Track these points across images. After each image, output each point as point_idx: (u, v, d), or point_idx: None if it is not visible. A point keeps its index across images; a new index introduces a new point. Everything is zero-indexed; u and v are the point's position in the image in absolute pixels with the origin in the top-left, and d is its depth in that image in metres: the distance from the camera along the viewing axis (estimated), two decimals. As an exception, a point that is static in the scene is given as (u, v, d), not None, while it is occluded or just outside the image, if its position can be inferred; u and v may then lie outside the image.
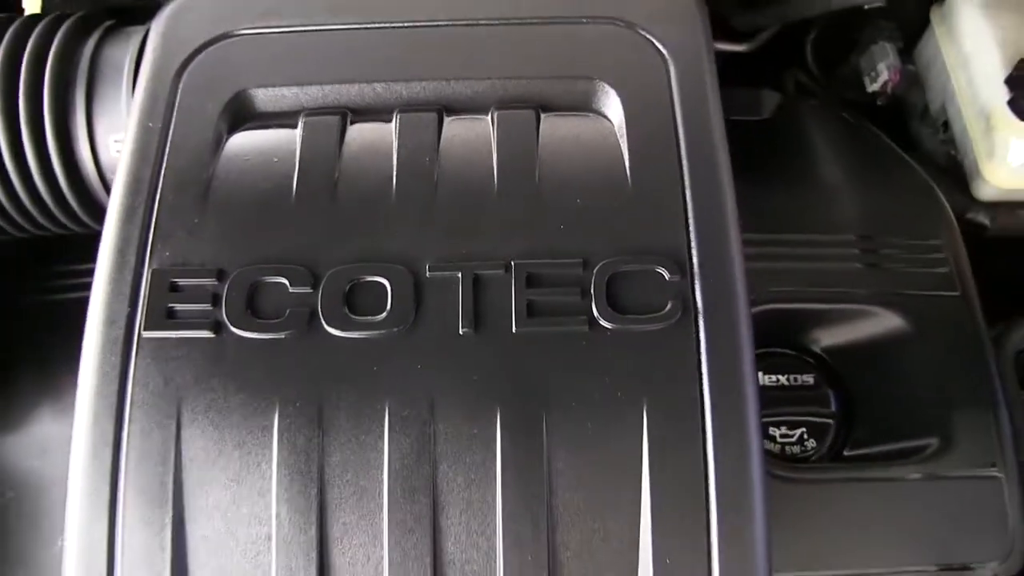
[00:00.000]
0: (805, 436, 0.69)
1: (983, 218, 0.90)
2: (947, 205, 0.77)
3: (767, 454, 0.70)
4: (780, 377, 0.70)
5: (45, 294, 0.73)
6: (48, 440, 0.69)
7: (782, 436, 0.69)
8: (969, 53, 0.85)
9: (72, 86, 0.60)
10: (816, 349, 0.71)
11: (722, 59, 0.92)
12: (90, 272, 0.69)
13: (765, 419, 0.69)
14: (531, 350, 0.49)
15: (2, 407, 0.69)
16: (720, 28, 0.94)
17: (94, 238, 0.68)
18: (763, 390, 0.70)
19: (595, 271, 0.50)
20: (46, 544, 0.65)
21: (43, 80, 0.59)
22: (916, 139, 0.97)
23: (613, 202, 0.52)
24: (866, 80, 0.94)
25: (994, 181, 0.84)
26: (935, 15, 0.91)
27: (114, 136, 0.60)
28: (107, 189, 0.63)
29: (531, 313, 0.49)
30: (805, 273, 0.71)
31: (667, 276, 0.50)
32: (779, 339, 0.71)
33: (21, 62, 0.60)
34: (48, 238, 0.70)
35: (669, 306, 0.49)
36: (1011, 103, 0.77)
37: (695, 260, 0.50)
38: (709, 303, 0.49)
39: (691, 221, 0.51)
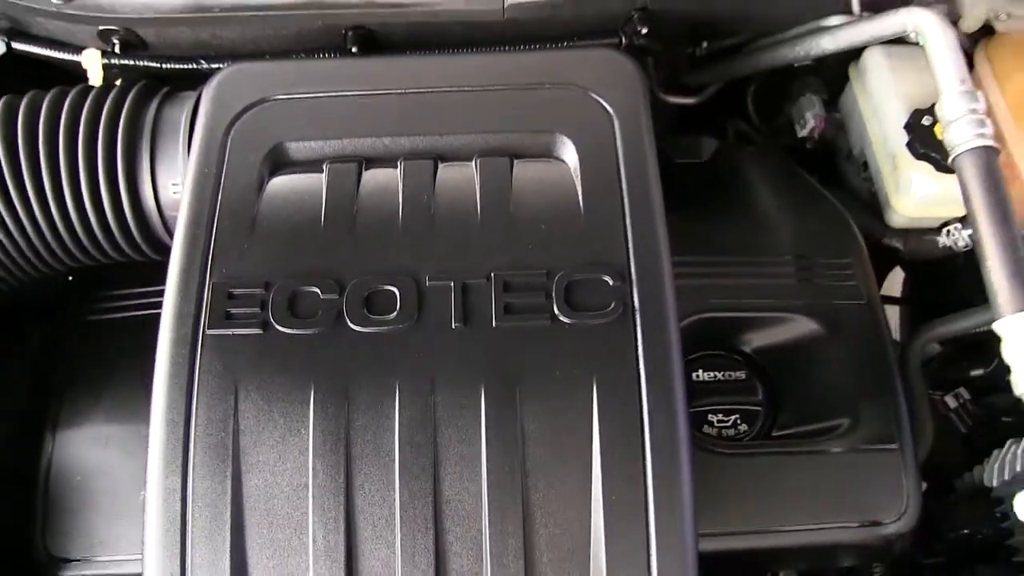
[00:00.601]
0: (738, 421, 0.85)
1: (896, 243, 1.07)
2: (858, 232, 0.94)
3: (707, 437, 0.86)
4: (717, 373, 0.87)
5: (103, 313, 0.89)
6: (107, 434, 0.84)
7: (719, 421, 0.85)
8: (878, 104, 1.03)
9: (139, 141, 0.77)
10: (747, 350, 0.88)
11: (676, 110, 1.11)
12: (140, 295, 0.86)
13: (705, 408, 0.86)
14: (507, 340, 0.65)
15: (68, 408, 0.85)
16: (674, 85, 1.13)
17: (147, 266, 0.85)
18: (703, 384, 0.86)
19: (555, 279, 0.66)
20: (108, 518, 0.80)
21: (117, 137, 0.76)
22: (844, 177, 1.15)
23: (569, 227, 0.69)
24: (797, 127, 1.12)
25: (902, 211, 1.01)
26: (852, 72, 1.09)
27: (172, 180, 0.77)
28: (165, 225, 0.79)
29: (507, 312, 0.66)
30: (737, 288, 0.88)
31: (611, 283, 0.66)
32: (716, 342, 0.88)
33: (99, 123, 0.76)
34: (106, 266, 0.86)
35: (612, 305, 0.66)
36: (908, 145, 0.95)
37: (632, 270, 0.67)
38: (643, 303, 0.66)
39: (630, 241, 0.68)
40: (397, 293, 0.66)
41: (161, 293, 0.83)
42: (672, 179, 0.81)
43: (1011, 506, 0.69)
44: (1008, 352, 0.70)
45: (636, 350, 0.65)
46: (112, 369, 0.86)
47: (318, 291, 0.66)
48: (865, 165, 1.10)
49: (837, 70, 1.12)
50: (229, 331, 0.65)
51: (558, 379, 0.64)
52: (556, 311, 0.65)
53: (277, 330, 0.65)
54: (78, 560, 0.80)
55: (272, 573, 0.60)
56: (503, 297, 0.66)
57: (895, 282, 1.34)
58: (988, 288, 0.72)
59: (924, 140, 0.92)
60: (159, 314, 0.73)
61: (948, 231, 1.02)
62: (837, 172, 1.17)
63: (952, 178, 0.89)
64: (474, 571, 0.61)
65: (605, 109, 0.74)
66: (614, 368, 0.64)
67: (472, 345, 0.65)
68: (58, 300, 0.91)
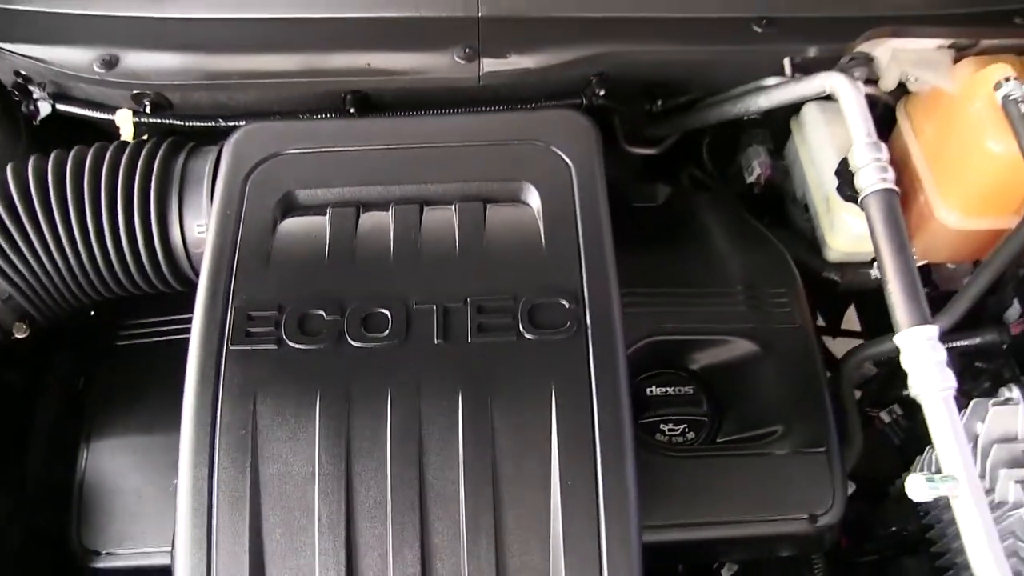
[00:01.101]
0: (687, 430, 1.00)
1: (834, 275, 1.23)
2: (794, 266, 1.10)
3: (659, 443, 1.00)
4: (668, 388, 1.01)
5: (129, 339, 1.04)
6: (134, 445, 0.97)
7: (670, 430, 0.99)
8: (814, 153, 1.19)
9: (169, 189, 0.92)
10: (694, 368, 1.03)
11: (640, 160, 1.26)
12: (163, 323, 1.01)
13: (657, 419, 1.00)
14: (480, 353, 0.80)
15: (100, 423, 0.98)
16: (637, 137, 1.29)
17: (169, 297, 0.99)
18: (655, 398, 1.01)
19: (521, 303, 0.81)
20: (134, 517, 0.93)
21: (150, 186, 0.91)
22: (790, 218, 1.31)
23: (533, 260, 0.84)
24: (745, 174, 1.28)
25: (836, 247, 1.17)
26: (793, 125, 1.26)
27: (197, 222, 0.92)
28: (190, 261, 0.94)
29: (480, 330, 0.80)
30: (686, 314, 1.03)
31: (567, 305, 0.81)
32: (667, 362, 1.02)
33: (135, 174, 0.92)
34: (136, 296, 1.00)
35: (568, 324, 0.80)
36: (838, 189, 1.11)
37: (585, 295, 0.82)
38: (594, 322, 0.81)
39: (583, 271, 0.83)
40: (389, 315, 0.81)
41: (180, 320, 0.98)
42: (630, 221, 0.97)
43: (903, 487, 0.83)
44: (904, 360, 0.85)
45: (588, 361, 0.79)
46: (138, 387, 1.01)
47: (323, 313, 0.81)
48: (807, 207, 1.27)
49: (782, 123, 1.29)
50: (249, 347, 0.79)
51: (523, 386, 0.78)
52: (521, 329, 0.80)
53: (289, 346, 0.79)
54: (107, 553, 0.93)
55: (284, 545, 0.74)
56: (477, 318, 0.81)
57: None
58: (888, 307, 0.87)
59: (850, 184, 1.08)
60: (179, 339, 0.87)
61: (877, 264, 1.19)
62: (785, 214, 1.33)
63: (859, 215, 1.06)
64: (453, 543, 0.74)
65: (564, 161, 0.90)
66: (569, 376, 0.79)
67: (451, 358, 0.79)
68: (84, 329, 1.06)
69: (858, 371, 1.19)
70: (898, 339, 0.85)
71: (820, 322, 1.39)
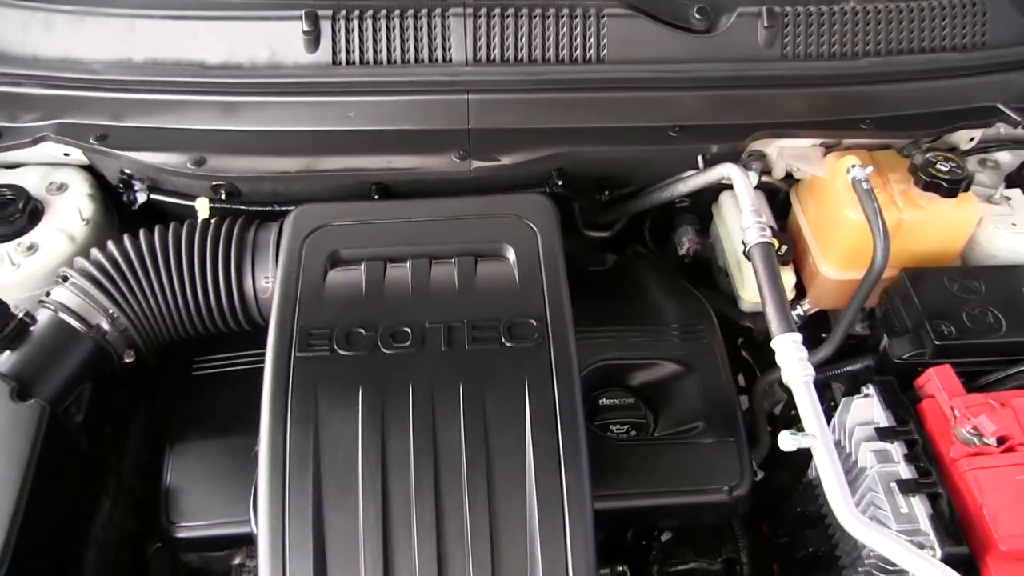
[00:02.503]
0: (630, 430, 1.37)
1: (748, 323, 1.63)
2: (711, 311, 1.50)
3: (609, 437, 1.35)
4: (615, 399, 1.39)
5: (205, 369, 1.40)
6: (210, 446, 1.32)
7: (617, 430, 1.37)
8: (728, 229, 1.61)
9: (244, 252, 1.32)
10: (634, 385, 1.41)
11: (597, 241, 1.67)
12: (230, 358, 1.38)
13: (607, 421, 1.37)
14: (474, 356, 1.17)
15: (183, 430, 1.33)
16: (593, 224, 1.70)
17: (240, 335, 1.36)
18: (605, 407, 1.39)
19: (502, 323, 1.19)
20: (206, 499, 1.26)
21: (231, 251, 1.31)
22: (716, 281, 1.71)
23: (510, 295, 1.23)
24: (678, 249, 1.69)
25: (747, 299, 1.57)
26: (714, 209, 1.68)
27: (264, 276, 1.30)
28: (258, 306, 1.32)
29: (474, 341, 1.18)
30: (628, 345, 1.42)
31: (535, 324, 1.19)
32: (614, 380, 1.41)
33: (218, 247, 1.31)
34: (210, 334, 1.37)
35: (536, 336, 1.18)
36: (744, 254, 1.51)
37: (547, 317, 1.20)
38: (554, 336, 1.18)
39: (546, 301, 1.22)
40: (409, 332, 1.18)
41: (242, 356, 1.35)
42: (585, 281, 1.37)
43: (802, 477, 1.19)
44: (778, 358, 1.23)
45: (550, 361, 1.16)
46: (208, 406, 1.37)
47: (362, 331, 1.18)
48: (727, 273, 1.67)
49: (707, 208, 1.72)
50: (310, 354, 1.16)
51: (505, 378, 1.15)
52: (503, 340, 1.18)
53: (338, 353, 1.16)
54: (184, 524, 1.27)
55: (336, 490, 1.08)
56: (471, 332, 1.19)
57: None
58: (767, 323, 1.26)
59: (752, 250, 1.49)
60: (240, 370, 1.24)
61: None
62: (712, 279, 1.73)
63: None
64: (458, 490, 1.08)
65: (532, 228, 1.30)
66: (537, 372, 1.16)
67: (454, 360, 1.17)
68: (168, 363, 1.43)
69: (768, 393, 1.58)
70: (774, 343, 1.23)
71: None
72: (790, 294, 1.56)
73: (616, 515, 1.29)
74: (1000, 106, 1.55)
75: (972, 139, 1.60)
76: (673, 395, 1.40)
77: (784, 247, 1.54)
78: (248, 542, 1.27)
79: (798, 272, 1.59)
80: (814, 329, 1.62)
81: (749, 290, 1.56)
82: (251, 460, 1.13)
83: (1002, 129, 1.60)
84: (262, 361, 1.18)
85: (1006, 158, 1.62)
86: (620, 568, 1.33)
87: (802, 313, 1.58)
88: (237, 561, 1.33)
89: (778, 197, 1.68)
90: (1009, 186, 1.56)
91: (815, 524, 1.40)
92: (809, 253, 1.58)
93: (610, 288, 1.55)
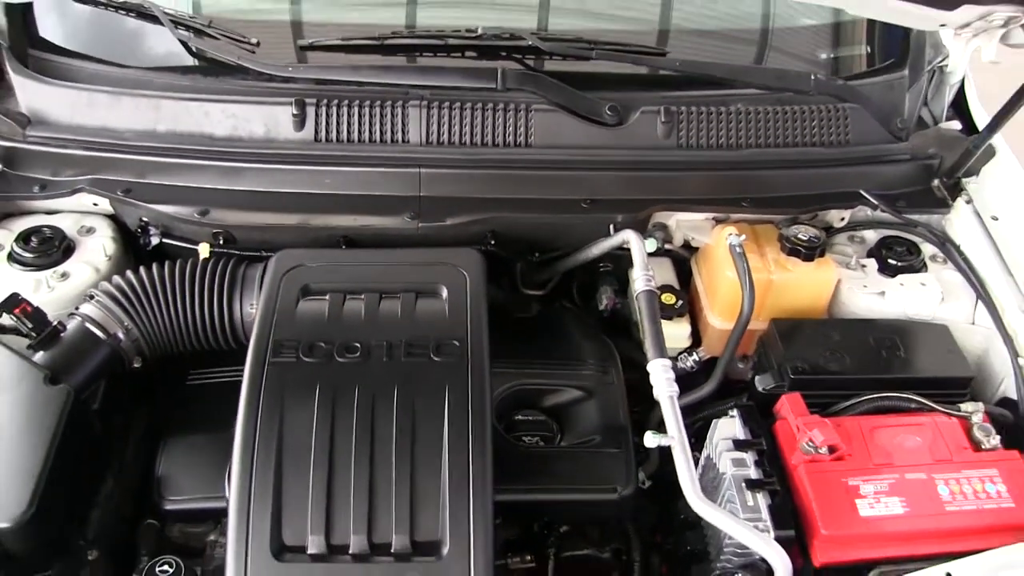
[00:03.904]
0: (539, 441, 1.72)
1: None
2: (615, 351, 1.86)
3: (521, 447, 1.70)
4: (528, 416, 1.75)
5: (196, 380, 1.77)
6: (197, 439, 1.67)
7: (528, 440, 1.72)
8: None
9: (235, 285, 1.71)
10: (545, 405, 1.77)
11: (533, 298, 2.06)
12: (216, 372, 1.77)
13: (520, 434, 1.72)
14: (409, 367, 1.53)
15: (175, 426, 1.69)
16: (529, 282, 2.08)
17: (227, 354, 1.73)
18: (519, 422, 1.74)
19: (431, 343, 1.56)
20: (190, 479, 1.61)
21: (224, 283, 1.70)
22: (632, 333, 2.07)
23: (440, 322, 1.60)
24: (599, 305, 2.06)
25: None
26: (630, 273, 2.05)
27: (250, 303, 1.69)
28: (244, 329, 1.69)
29: (408, 355, 1.55)
30: (540, 375, 1.79)
31: (457, 344, 1.56)
32: (528, 402, 1.77)
33: (215, 279, 1.70)
34: (202, 351, 1.74)
35: (458, 352, 1.55)
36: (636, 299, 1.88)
37: (468, 340, 1.57)
38: (472, 353, 1.55)
39: (468, 328, 1.59)
40: (359, 346, 1.55)
41: (225, 370, 1.72)
42: (512, 324, 1.76)
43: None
44: (652, 378, 1.58)
45: (467, 373, 1.53)
46: (197, 409, 1.73)
47: (323, 344, 1.55)
48: (637, 326, 2.04)
49: (626, 270, 2.10)
50: (280, 359, 1.53)
51: (431, 383, 1.51)
52: (431, 355, 1.54)
53: (303, 360, 1.53)
54: (172, 499, 1.60)
55: (293, 465, 1.41)
56: (407, 349, 1.55)
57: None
58: (646, 351, 1.62)
59: (653, 302, 1.87)
60: (230, 382, 1.61)
61: (680, 357, 1.94)
62: (629, 331, 2.10)
63: (673, 324, 1.85)
64: (388, 467, 1.42)
65: (463, 274, 1.68)
66: (456, 380, 1.51)
67: (392, 369, 1.53)
68: (165, 375, 1.79)
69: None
70: (649, 367, 1.60)
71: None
72: (686, 342, 1.95)
73: (524, 506, 1.63)
74: (862, 192, 1.96)
75: (843, 219, 2.01)
76: (576, 415, 1.76)
77: (680, 301, 1.94)
78: (223, 516, 1.61)
79: (695, 324, 1.97)
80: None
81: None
82: (229, 447, 1.49)
83: (868, 212, 2.01)
84: (241, 375, 1.55)
85: (871, 235, 2.01)
86: (527, 557, 1.66)
87: (697, 359, 1.94)
88: (212, 538, 1.66)
89: (685, 266, 2.07)
90: (870, 257, 1.96)
91: (693, 527, 1.72)
92: (702, 309, 1.96)
93: (533, 331, 1.94)
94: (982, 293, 1.85)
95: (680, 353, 1.94)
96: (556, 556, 1.65)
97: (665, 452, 1.62)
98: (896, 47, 2.15)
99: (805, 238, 1.84)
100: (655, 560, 1.73)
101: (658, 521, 1.80)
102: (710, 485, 1.65)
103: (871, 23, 2.23)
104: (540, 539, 1.68)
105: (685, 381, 1.82)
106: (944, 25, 1.82)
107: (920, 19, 1.80)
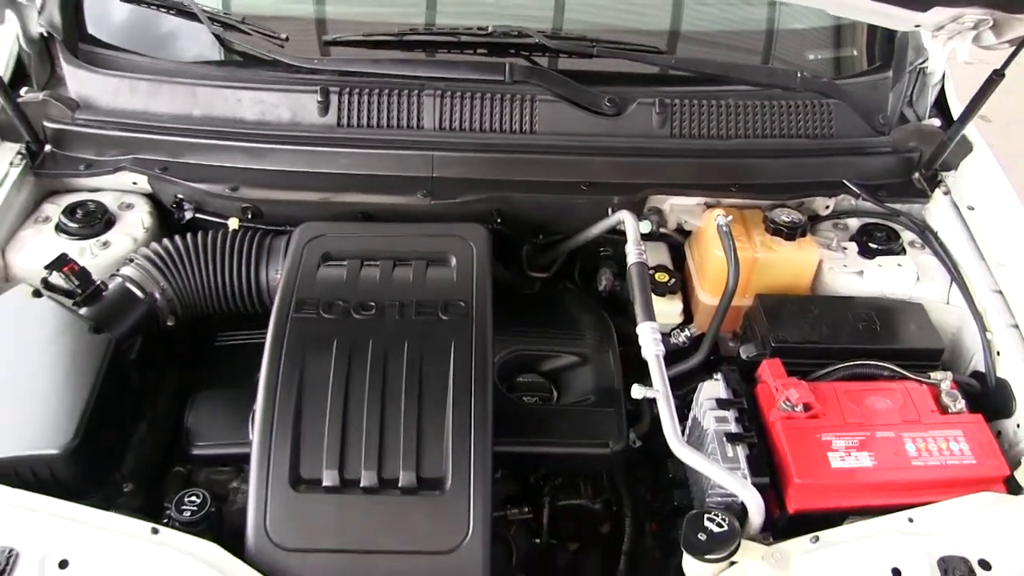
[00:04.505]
0: (538, 401, 1.87)
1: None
2: (610, 323, 2.01)
3: (521, 404, 1.85)
4: (528, 379, 1.90)
5: (225, 342, 1.93)
6: (223, 393, 1.83)
7: (528, 400, 1.86)
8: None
9: (261, 253, 1.88)
10: (544, 369, 1.92)
11: (538, 280, 2.22)
12: (242, 334, 1.94)
13: (521, 394, 1.87)
14: (419, 324, 1.70)
15: (204, 382, 1.85)
16: (534, 263, 2.24)
17: (252, 319, 1.90)
18: (519, 383, 1.89)
19: (439, 304, 1.72)
20: (216, 428, 1.77)
21: (253, 251, 1.87)
22: (627, 311, 2.21)
23: (448, 286, 1.77)
24: (599, 286, 2.21)
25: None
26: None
27: (275, 270, 1.86)
28: (269, 293, 1.86)
29: (418, 313, 1.71)
30: (539, 341, 1.94)
31: (463, 305, 1.72)
32: (528, 367, 1.91)
33: (243, 247, 1.87)
34: (230, 313, 1.91)
35: (464, 312, 1.71)
36: (627, 270, 2.03)
37: (473, 301, 1.73)
38: (476, 314, 1.71)
39: (473, 291, 1.75)
40: (374, 305, 1.71)
41: (255, 334, 1.88)
42: (517, 299, 1.92)
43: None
44: (640, 339, 1.73)
45: (472, 331, 1.68)
46: (224, 367, 1.89)
47: (340, 302, 1.71)
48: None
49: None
50: (302, 315, 1.69)
51: (438, 338, 1.67)
52: (440, 314, 1.70)
53: (322, 316, 1.69)
54: (199, 443, 1.76)
55: (311, 405, 1.57)
56: (417, 308, 1.71)
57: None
58: (636, 315, 1.77)
59: (648, 280, 2.02)
60: (253, 344, 1.77)
61: (673, 332, 2.09)
62: (627, 311, 2.24)
63: (666, 301, 2.01)
64: (398, 408, 1.58)
65: (470, 245, 1.85)
66: (461, 336, 1.67)
67: (403, 325, 1.69)
68: (197, 335, 1.96)
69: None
70: (638, 328, 1.74)
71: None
72: (678, 318, 2.10)
73: (523, 458, 1.77)
74: (845, 181, 2.11)
75: (827, 207, 2.16)
76: (573, 379, 1.91)
77: (672, 279, 2.09)
78: (244, 462, 1.76)
79: (687, 302, 2.12)
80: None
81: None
82: (250, 401, 1.64)
83: (852, 202, 2.16)
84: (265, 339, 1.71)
85: (854, 223, 2.16)
86: (525, 509, 1.81)
87: (689, 335, 2.08)
88: (234, 484, 1.81)
89: (680, 252, 2.23)
90: (851, 242, 2.11)
91: (680, 485, 1.86)
92: (694, 287, 2.12)
93: (535, 305, 2.10)
94: (956, 275, 1.99)
95: (673, 329, 2.09)
96: (551, 505, 1.80)
97: (657, 422, 1.76)
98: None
99: (788, 219, 1.99)
100: (643, 515, 1.87)
101: (650, 485, 1.95)
102: (696, 443, 1.80)
103: (870, 29, 2.40)
104: (536, 490, 1.82)
105: (677, 356, 1.98)
106: (919, 26, 1.98)
107: (897, 20, 1.97)
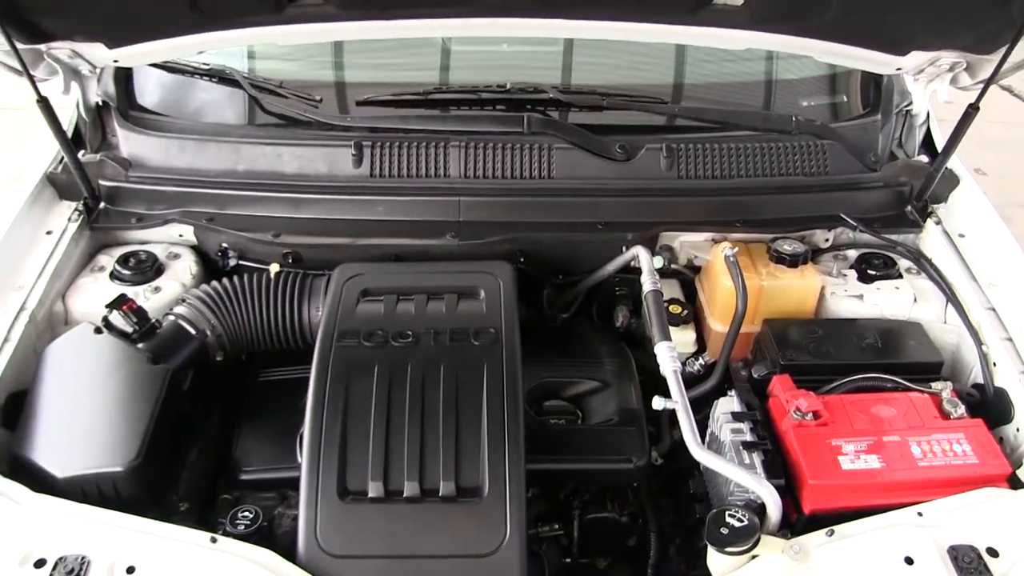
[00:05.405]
0: (564, 423, 1.99)
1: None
2: (629, 353, 2.15)
3: (549, 425, 1.98)
4: (554, 403, 2.02)
5: (268, 376, 2.07)
6: (268, 422, 1.96)
7: (554, 422, 1.98)
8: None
9: (303, 293, 2.04)
10: (568, 395, 2.05)
11: (559, 319, 2.37)
12: (284, 370, 2.10)
13: (548, 417, 1.99)
14: (454, 350, 1.84)
15: (249, 412, 1.98)
16: (555, 303, 2.40)
17: (293, 355, 2.06)
18: (548, 408, 2.02)
19: (471, 331, 1.87)
20: (261, 455, 1.89)
21: (295, 291, 2.03)
22: (644, 345, 2.35)
23: (478, 315, 1.92)
24: (615, 321, 2.36)
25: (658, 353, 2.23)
26: (643, 295, 2.36)
27: (316, 308, 2.01)
28: (311, 330, 2.01)
29: (452, 340, 1.86)
30: (564, 370, 2.08)
31: (493, 331, 1.87)
32: (553, 395, 2.05)
33: (286, 290, 2.03)
34: (273, 350, 2.06)
35: (494, 339, 1.85)
36: (643, 299, 2.18)
37: (502, 328, 1.87)
38: (505, 339, 1.86)
39: (502, 319, 1.90)
40: (411, 334, 1.86)
41: (293, 369, 2.03)
42: (541, 332, 2.07)
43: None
44: (658, 358, 1.86)
45: (502, 355, 1.83)
46: (268, 399, 2.03)
47: (379, 332, 1.86)
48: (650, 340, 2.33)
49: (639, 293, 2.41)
50: (344, 344, 1.83)
51: (471, 361, 1.81)
52: (472, 340, 1.85)
53: (363, 345, 1.84)
54: (247, 468, 1.88)
55: (356, 427, 1.70)
56: (451, 335, 1.86)
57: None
58: (652, 338, 1.91)
59: (662, 311, 2.17)
60: (294, 379, 1.92)
61: (688, 361, 2.22)
62: (644, 345, 2.39)
63: (680, 331, 2.15)
64: (436, 426, 1.71)
65: (496, 279, 2.01)
66: (493, 359, 1.82)
67: (439, 350, 1.83)
68: (243, 371, 2.10)
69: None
70: (656, 348, 1.88)
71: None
72: (692, 347, 2.24)
73: (553, 475, 1.90)
74: (842, 215, 2.28)
75: (827, 240, 2.32)
76: (596, 402, 2.05)
77: (685, 311, 2.24)
78: (289, 487, 1.87)
79: (699, 332, 2.26)
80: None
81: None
82: (294, 432, 1.78)
83: (851, 234, 2.32)
84: (307, 373, 1.84)
85: (853, 253, 2.32)
86: (555, 526, 1.92)
87: (703, 363, 2.22)
88: (279, 510, 1.92)
89: (691, 288, 2.38)
90: (851, 270, 2.26)
91: (701, 500, 1.97)
92: (705, 317, 2.26)
93: (558, 337, 2.25)
94: (951, 296, 2.14)
95: (688, 358, 2.22)
96: (580, 518, 1.91)
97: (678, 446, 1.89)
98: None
99: (790, 249, 2.15)
100: (667, 528, 1.98)
101: (673, 507, 2.06)
102: (714, 457, 1.92)
103: (861, 77, 2.60)
104: (566, 506, 1.94)
105: (692, 384, 2.11)
106: (900, 69, 2.17)
107: (880, 64, 2.17)
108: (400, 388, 1.77)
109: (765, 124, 2.36)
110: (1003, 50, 1.99)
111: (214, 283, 2.05)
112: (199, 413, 1.99)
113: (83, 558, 1.52)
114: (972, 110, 2.11)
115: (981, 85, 2.10)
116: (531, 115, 2.32)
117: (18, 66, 1.99)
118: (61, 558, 1.51)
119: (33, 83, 2.05)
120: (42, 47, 2.06)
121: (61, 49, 2.08)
